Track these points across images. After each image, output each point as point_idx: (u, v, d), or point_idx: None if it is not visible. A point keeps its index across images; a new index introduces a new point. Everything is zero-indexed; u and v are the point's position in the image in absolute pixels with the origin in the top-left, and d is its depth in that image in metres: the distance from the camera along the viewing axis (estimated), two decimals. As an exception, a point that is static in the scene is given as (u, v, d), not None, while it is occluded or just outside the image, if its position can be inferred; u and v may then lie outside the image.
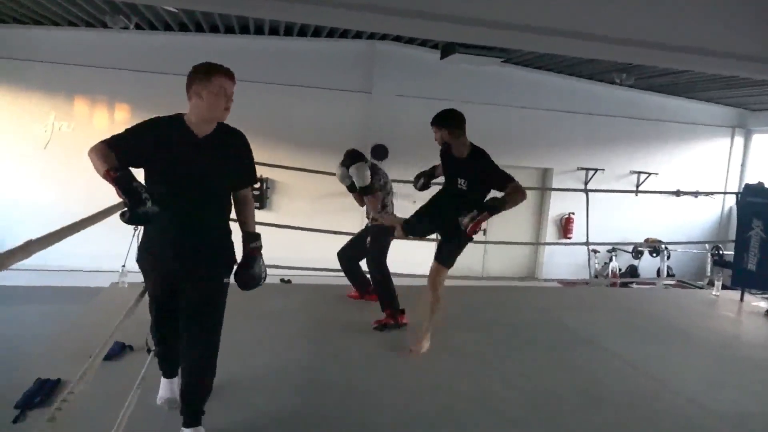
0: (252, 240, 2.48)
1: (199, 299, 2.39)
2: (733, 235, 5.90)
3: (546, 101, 9.91)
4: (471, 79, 9.31)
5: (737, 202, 5.74)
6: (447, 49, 7.62)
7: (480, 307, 5.22)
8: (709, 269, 9.44)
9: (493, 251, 10.39)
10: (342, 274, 4.91)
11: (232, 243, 2.45)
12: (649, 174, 10.62)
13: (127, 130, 2.25)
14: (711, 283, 6.55)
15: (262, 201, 8.97)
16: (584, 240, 7.75)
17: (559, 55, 8.36)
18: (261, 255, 2.49)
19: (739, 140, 11.32)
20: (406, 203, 9.45)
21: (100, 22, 7.54)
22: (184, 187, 2.28)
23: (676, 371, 3.82)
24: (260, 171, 10.45)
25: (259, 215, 8.65)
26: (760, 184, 5.68)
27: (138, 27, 7.77)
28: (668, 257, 9.95)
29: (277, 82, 8.81)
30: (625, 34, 4.74)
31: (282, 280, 6.88)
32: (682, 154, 10.98)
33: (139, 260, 2.49)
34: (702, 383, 3.68)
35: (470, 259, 10.26)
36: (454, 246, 3.68)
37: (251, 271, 2.44)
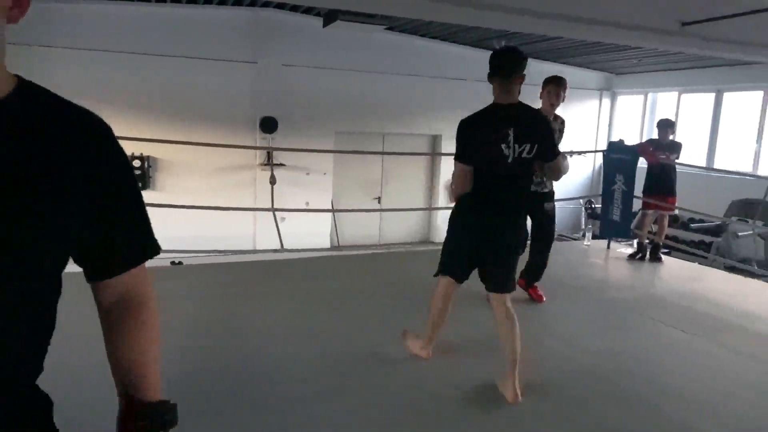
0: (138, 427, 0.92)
1: None
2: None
3: (434, 68, 10.15)
4: (358, 47, 9.29)
5: (603, 159, 6.26)
6: (329, 17, 7.53)
7: (381, 272, 5.34)
8: (583, 222, 10.32)
9: (388, 218, 10.61)
10: (239, 250, 4.78)
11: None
12: (530, 136, 11.30)
13: None
14: (585, 235, 7.17)
15: (145, 181, 8.47)
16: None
17: (442, 22, 8.56)
18: None
19: (606, 102, 12.34)
20: (299, 174, 9.41)
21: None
22: None
23: (557, 318, 4.17)
24: (141, 148, 9.89)
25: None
26: (621, 142, 6.26)
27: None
28: (549, 213, 10.74)
29: (154, 53, 8.25)
30: (499, 1, 4.97)
31: (173, 263, 6.58)
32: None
33: None
34: (578, 326, 4.06)
35: (367, 228, 10.45)
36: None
37: None
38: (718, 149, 10.39)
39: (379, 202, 10.43)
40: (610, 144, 6.40)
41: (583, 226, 9.29)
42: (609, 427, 2.70)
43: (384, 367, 3.21)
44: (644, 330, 4.01)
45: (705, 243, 8.98)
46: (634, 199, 5.92)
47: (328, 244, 9.66)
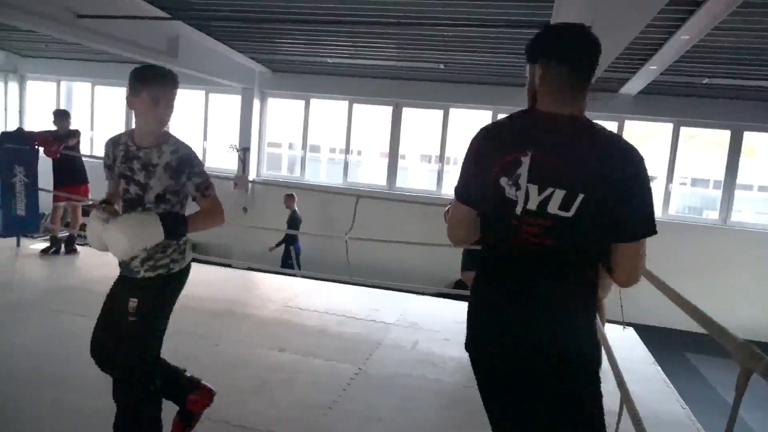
0: None
1: None
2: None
3: None
4: None
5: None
6: None
7: None
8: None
9: None
10: None
11: None
12: None
13: None
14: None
15: None
16: None
17: None
18: None
19: (14, 85, 11.23)
20: None
21: None
22: None
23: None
24: None
25: None
26: (19, 130, 5.86)
27: None
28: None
29: None
30: None
31: None
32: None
33: None
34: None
35: None
36: None
37: None
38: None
39: None
40: (3, 134, 5.83)
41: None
42: None
43: None
44: (43, 324, 3.95)
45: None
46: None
47: None
